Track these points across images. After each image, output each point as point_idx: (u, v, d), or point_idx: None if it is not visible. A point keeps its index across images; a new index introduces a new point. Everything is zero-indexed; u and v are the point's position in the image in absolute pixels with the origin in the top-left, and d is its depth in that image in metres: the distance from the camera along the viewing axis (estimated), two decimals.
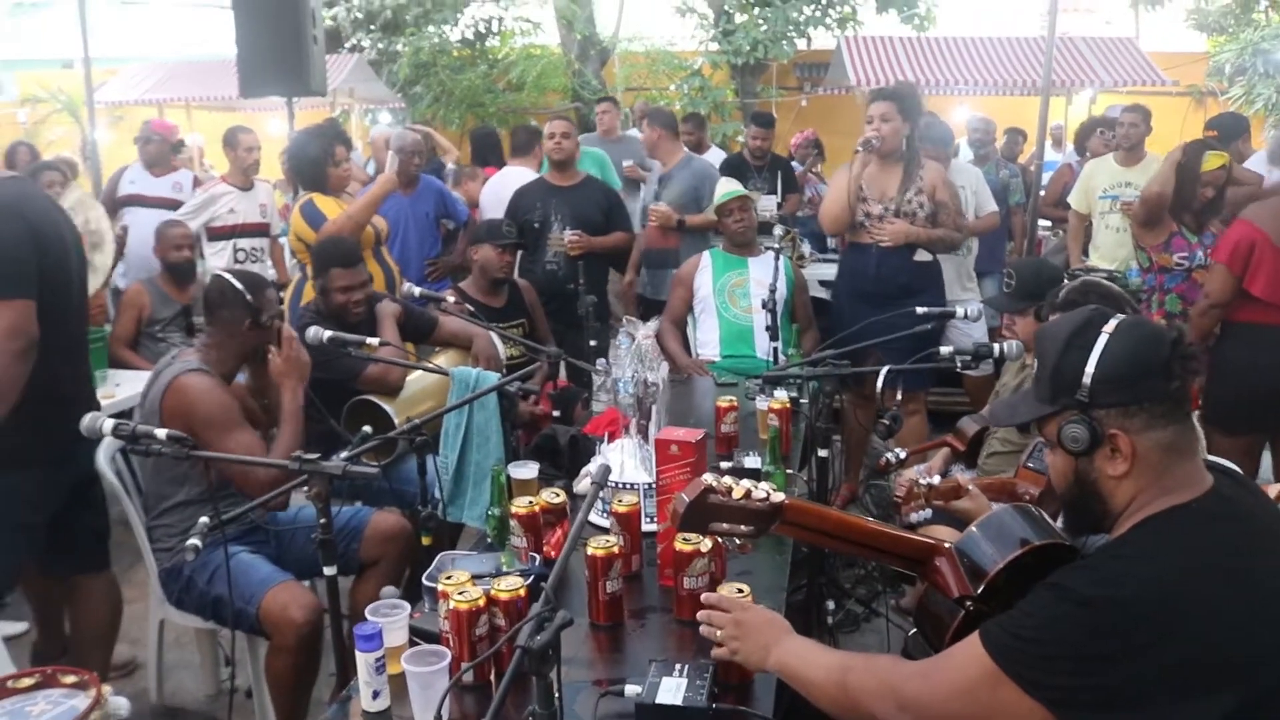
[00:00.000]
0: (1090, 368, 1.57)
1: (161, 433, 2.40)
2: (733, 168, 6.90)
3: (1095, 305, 1.71)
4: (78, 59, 9.68)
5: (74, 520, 3.14)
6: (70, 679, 2.26)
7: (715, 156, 7.45)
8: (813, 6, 13.24)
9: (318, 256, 4.00)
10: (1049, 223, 7.77)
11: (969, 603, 1.79)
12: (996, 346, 2.98)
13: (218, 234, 5.75)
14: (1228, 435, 4.00)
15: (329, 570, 2.31)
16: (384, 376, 3.79)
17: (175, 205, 6.17)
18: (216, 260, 5.72)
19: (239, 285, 3.17)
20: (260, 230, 6.01)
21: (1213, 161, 4.55)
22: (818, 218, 7.46)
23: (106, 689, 2.06)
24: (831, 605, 3.39)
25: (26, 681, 2.19)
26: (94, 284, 4.38)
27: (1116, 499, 1.61)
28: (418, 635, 2.15)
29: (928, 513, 2.64)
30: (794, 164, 7.91)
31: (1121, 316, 1.62)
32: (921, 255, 4.68)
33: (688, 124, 7.51)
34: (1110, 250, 5.94)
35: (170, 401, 2.99)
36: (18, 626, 3.89)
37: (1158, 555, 1.51)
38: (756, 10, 13.12)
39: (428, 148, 6.99)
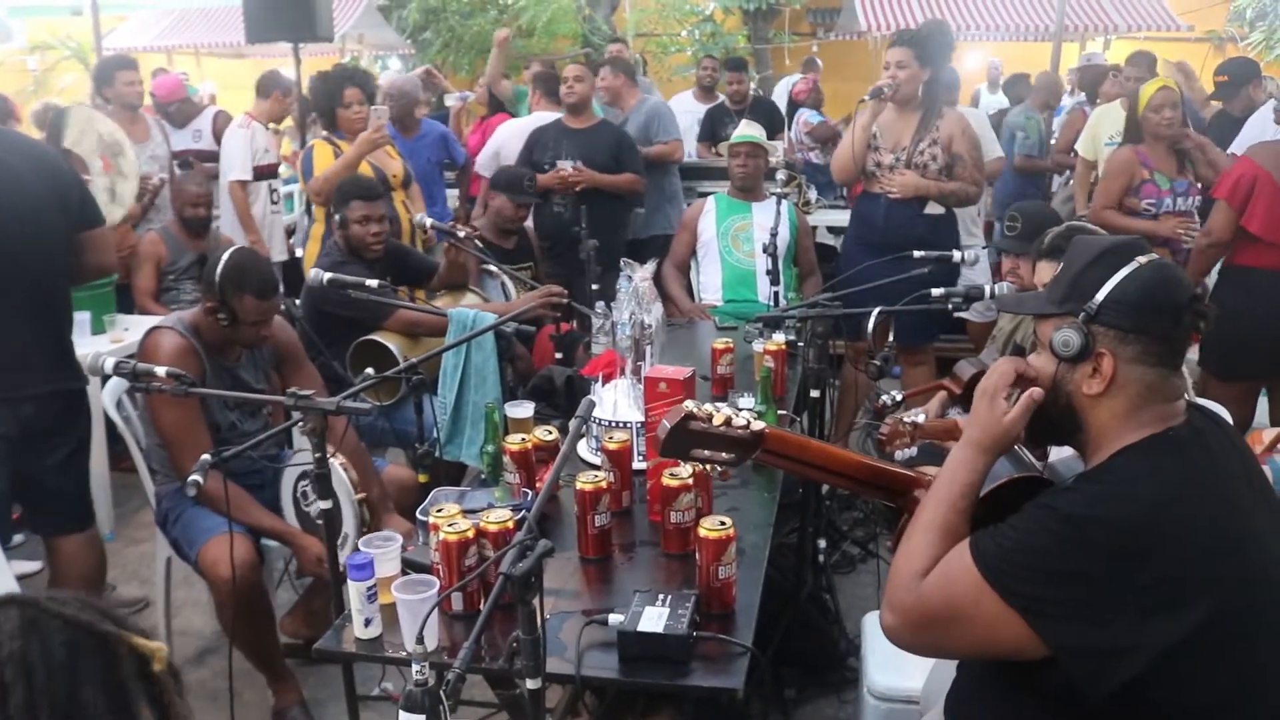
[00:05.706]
0: (1109, 285, 1.60)
1: (162, 370, 2.45)
2: (714, 119, 7.04)
3: (1135, 238, 1.72)
4: (86, 5, 9.64)
5: (40, 480, 3.07)
6: None
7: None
8: None
9: (339, 191, 4.02)
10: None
11: None
12: (988, 288, 2.99)
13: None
14: (1223, 380, 4.04)
15: (323, 504, 2.36)
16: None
17: (203, 155, 6.21)
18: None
19: (219, 270, 3.00)
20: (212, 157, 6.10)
21: (1148, 88, 4.52)
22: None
23: None
24: (823, 544, 3.44)
25: None
26: (129, 194, 4.40)
27: (1088, 420, 1.64)
28: (410, 567, 2.21)
29: (913, 451, 2.66)
30: (806, 110, 7.87)
31: (1157, 256, 1.65)
32: (933, 208, 4.46)
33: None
34: None
35: (142, 350, 3.00)
36: (31, 565, 3.96)
37: (1137, 480, 1.55)
38: None
39: (431, 90, 6.99)
